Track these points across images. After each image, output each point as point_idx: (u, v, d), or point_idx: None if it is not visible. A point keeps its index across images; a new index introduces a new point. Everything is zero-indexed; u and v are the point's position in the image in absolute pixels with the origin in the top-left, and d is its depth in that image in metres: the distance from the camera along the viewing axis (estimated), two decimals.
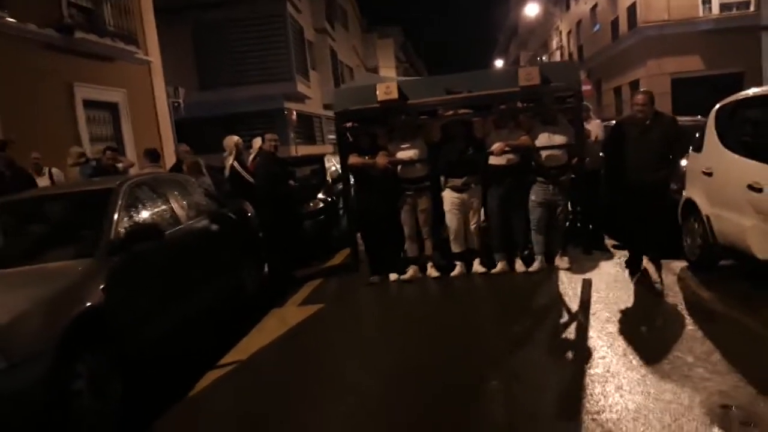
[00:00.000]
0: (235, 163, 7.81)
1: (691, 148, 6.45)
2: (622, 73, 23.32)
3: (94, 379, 3.67)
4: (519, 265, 6.88)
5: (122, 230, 4.51)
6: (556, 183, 6.75)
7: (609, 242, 7.72)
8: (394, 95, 6.84)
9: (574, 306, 5.53)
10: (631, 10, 21.58)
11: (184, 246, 5.37)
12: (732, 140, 5.78)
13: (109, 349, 3.88)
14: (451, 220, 6.95)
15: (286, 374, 4.70)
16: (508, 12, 52.42)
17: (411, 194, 6.95)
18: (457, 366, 4.42)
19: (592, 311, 5.28)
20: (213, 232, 6.02)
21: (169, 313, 4.77)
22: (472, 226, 6.94)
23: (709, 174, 5.92)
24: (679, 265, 6.43)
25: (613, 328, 4.84)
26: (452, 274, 6.95)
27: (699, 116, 7.65)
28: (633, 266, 6.33)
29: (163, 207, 5.41)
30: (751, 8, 19.13)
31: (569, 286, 6.16)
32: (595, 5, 26.67)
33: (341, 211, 9.42)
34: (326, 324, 6.01)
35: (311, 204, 9.27)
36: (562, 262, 6.81)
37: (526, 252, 7.03)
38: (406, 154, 6.96)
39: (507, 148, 6.73)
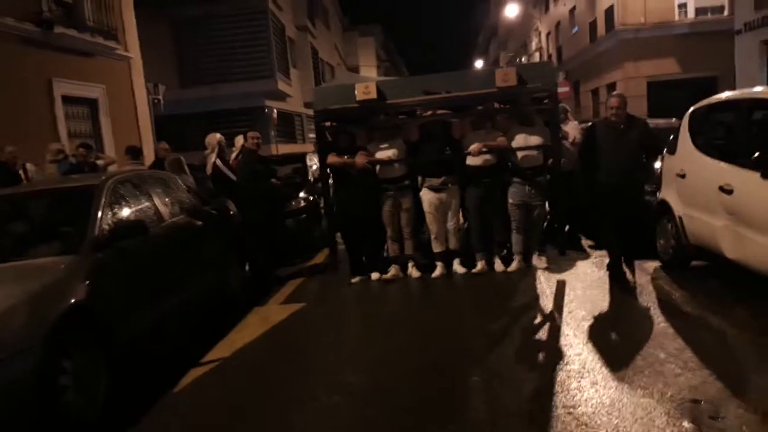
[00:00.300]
0: (218, 161, 7.82)
1: (665, 150, 6.60)
2: (599, 75, 23.65)
3: (80, 375, 3.70)
4: (498, 265, 6.98)
5: (106, 227, 4.55)
6: (532, 184, 6.87)
7: (586, 242, 7.89)
8: (373, 95, 6.93)
9: (551, 305, 5.67)
10: (609, 12, 21.89)
11: (167, 243, 5.41)
12: (705, 143, 5.95)
13: (94, 344, 3.91)
14: (431, 220, 7.03)
15: (268, 371, 4.75)
16: (488, 12, 52.77)
17: (392, 194, 7.03)
18: (437, 363, 4.52)
19: (568, 310, 5.42)
20: (195, 229, 6.06)
21: (152, 310, 4.81)
22: (451, 226, 7.03)
23: (683, 176, 6.08)
24: (652, 265, 6.59)
25: (589, 326, 4.98)
26: (433, 274, 7.04)
27: (674, 119, 7.82)
28: (613, 268, 6.37)
29: (147, 204, 5.43)
30: (726, 13, 19.52)
31: (546, 285, 6.30)
32: (574, 7, 27.00)
33: (323, 210, 9.47)
34: (308, 322, 6.07)
35: (293, 203, 9.31)
36: (540, 261, 6.93)
37: (504, 252, 7.15)
38: (384, 153, 7.04)
39: (484, 149, 6.84)
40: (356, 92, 6.94)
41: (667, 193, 6.42)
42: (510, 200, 6.92)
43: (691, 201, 5.92)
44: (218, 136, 8.08)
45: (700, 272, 6.22)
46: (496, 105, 7.53)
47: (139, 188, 5.50)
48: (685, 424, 3.26)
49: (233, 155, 8.13)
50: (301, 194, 9.62)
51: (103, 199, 4.75)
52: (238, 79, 21.36)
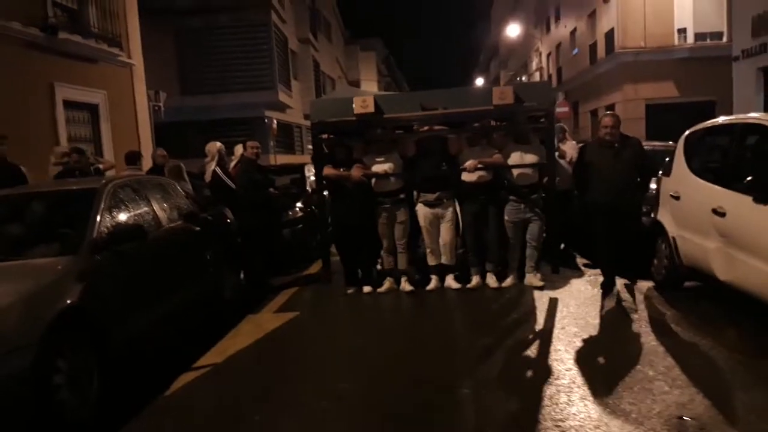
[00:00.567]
0: (217, 169, 7.87)
1: (660, 172, 6.68)
2: (598, 97, 23.82)
3: (73, 375, 3.73)
4: (492, 281, 7.02)
5: (105, 230, 4.59)
6: (527, 201, 6.93)
7: (580, 261, 7.94)
8: (371, 109, 6.98)
9: (544, 321, 5.71)
10: (609, 36, 22.09)
11: (164, 248, 5.46)
12: (699, 166, 6.03)
13: (88, 345, 3.94)
14: (426, 235, 7.08)
15: (260, 378, 4.78)
16: (488, 31, 53.19)
17: (387, 207, 7.07)
18: (428, 374, 4.55)
19: (561, 326, 5.46)
20: (192, 235, 6.10)
21: (147, 313, 4.84)
22: (444, 242, 7.07)
23: (677, 197, 6.16)
24: (646, 284, 6.64)
25: (581, 342, 5.03)
26: (427, 288, 7.08)
27: (670, 141, 7.90)
28: (606, 287, 6.45)
29: (146, 209, 5.47)
30: (725, 39, 19.72)
31: (540, 301, 6.34)
32: (575, 29, 27.25)
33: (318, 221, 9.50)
34: (301, 331, 6.10)
35: (290, 212, 9.36)
36: (534, 278, 6.97)
37: (499, 268, 7.19)
38: (381, 167, 7.09)
39: (480, 165, 6.90)
40: (354, 105, 7.01)
41: (662, 214, 6.49)
42: (506, 217, 6.97)
43: (685, 223, 5.98)
44: (219, 144, 8.13)
45: (692, 293, 6.26)
46: (493, 122, 7.60)
47: (138, 193, 5.55)
48: None
49: (232, 164, 8.19)
50: (298, 204, 9.67)
51: (103, 203, 4.80)
52: (239, 89, 21.47)
